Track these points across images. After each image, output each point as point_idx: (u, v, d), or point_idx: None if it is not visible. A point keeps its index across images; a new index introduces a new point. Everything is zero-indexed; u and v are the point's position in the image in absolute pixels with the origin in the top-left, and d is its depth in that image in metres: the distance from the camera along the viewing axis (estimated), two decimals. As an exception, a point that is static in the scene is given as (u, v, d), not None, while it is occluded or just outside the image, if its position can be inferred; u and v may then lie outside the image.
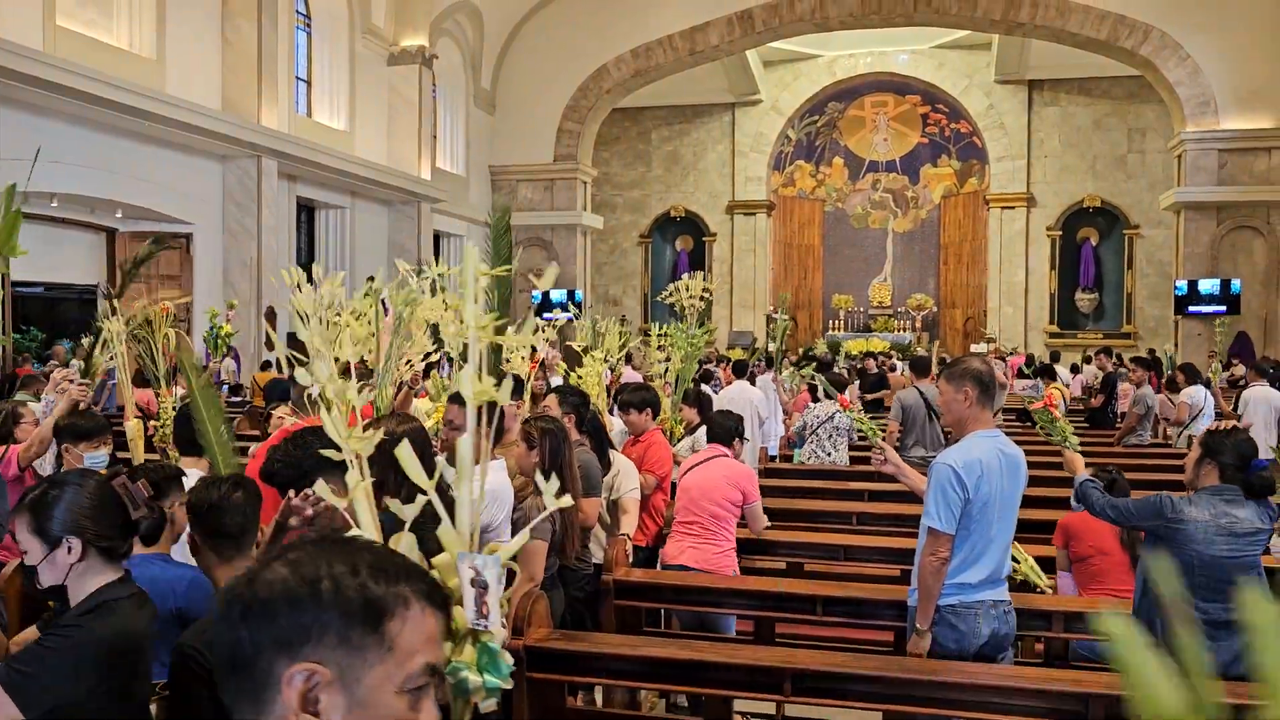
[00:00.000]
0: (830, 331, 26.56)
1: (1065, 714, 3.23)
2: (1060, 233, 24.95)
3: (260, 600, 1.05)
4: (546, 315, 19.33)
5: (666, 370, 7.75)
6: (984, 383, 3.68)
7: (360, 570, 1.07)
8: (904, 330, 26.18)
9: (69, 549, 2.32)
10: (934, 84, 25.68)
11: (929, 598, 3.58)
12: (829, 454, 8.72)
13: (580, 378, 6.79)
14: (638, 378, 9.41)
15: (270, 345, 14.45)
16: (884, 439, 4.42)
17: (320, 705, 1.03)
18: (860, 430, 4.46)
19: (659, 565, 5.30)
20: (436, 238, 20.49)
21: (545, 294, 21.77)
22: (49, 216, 12.52)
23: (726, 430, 5.30)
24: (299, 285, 4.09)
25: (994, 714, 3.35)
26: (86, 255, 14.13)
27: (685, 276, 8.81)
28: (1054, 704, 3.25)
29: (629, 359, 10.53)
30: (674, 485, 5.77)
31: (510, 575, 1.63)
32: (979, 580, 3.60)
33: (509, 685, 1.63)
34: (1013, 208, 25.13)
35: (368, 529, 1.76)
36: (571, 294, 21.60)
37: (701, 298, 8.31)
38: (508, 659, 1.61)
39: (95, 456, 4.30)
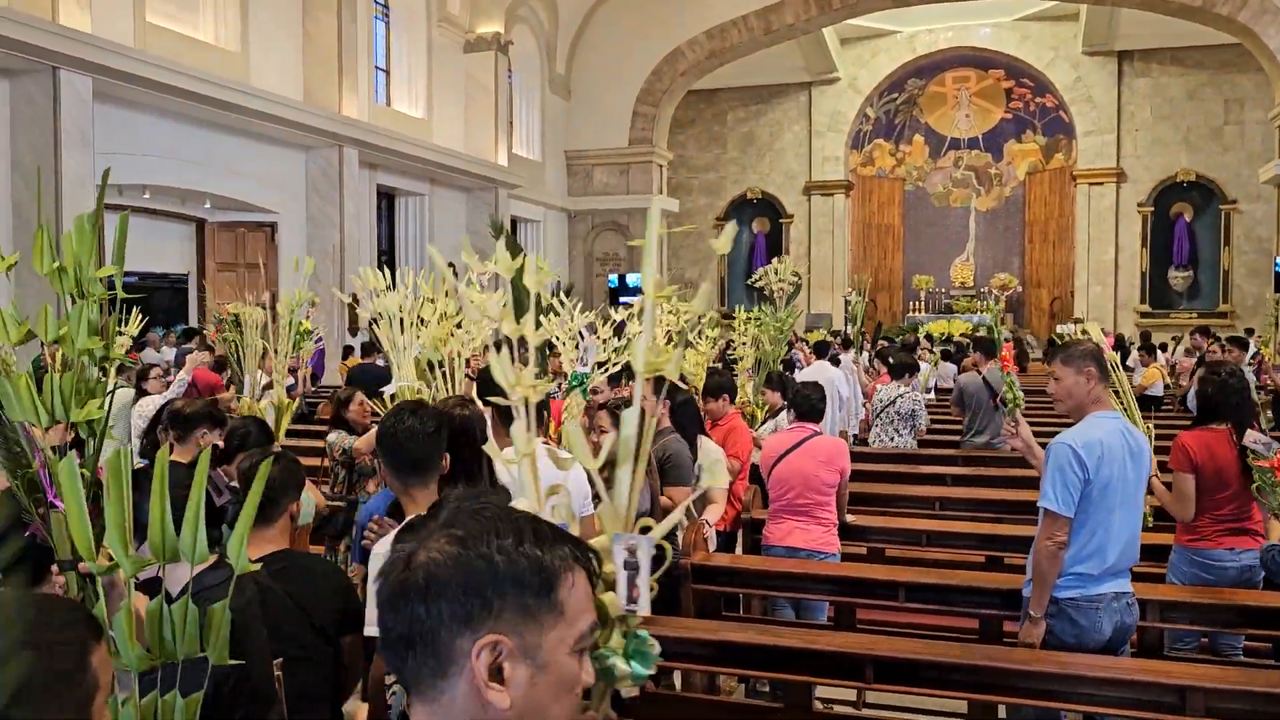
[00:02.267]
0: (911, 313, 26.10)
1: (1162, 706, 3.09)
2: (1152, 208, 24.06)
3: (435, 578, 1.08)
4: (624, 299, 19.38)
5: (743, 356, 7.69)
6: (1101, 361, 3.56)
7: (524, 540, 1.11)
8: (987, 311, 25.55)
9: None
10: (1018, 57, 24.92)
11: (1044, 584, 3.43)
12: (892, 439, 8.48)
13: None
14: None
15: (354, 331, 14.72)
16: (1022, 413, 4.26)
17: (505, 674, 1.08)
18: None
19: (761, 549, 5.28)
20: (514, 223, 20.66)
21: (622, 277, 21.80)
22: (143, 208, 12.93)
23: (813, 405, 5.26)
24: (378, 292, 4.18)
25: (1085, 705, 3.23)
26: (178, 245, 14.58)
27: (775, 261, 8.78)
28: (1151, 696, 3.12)
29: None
30: (754, 468, 5.73)
31: (659, 559, 1.59)
32: (1100, 572, 3.44)
33: (653, 673, 1.59)
34: (1101, 183, 24.30)
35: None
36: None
37: (791, 281, 8.28)
38: (655, 648, 1.56)
39: None
